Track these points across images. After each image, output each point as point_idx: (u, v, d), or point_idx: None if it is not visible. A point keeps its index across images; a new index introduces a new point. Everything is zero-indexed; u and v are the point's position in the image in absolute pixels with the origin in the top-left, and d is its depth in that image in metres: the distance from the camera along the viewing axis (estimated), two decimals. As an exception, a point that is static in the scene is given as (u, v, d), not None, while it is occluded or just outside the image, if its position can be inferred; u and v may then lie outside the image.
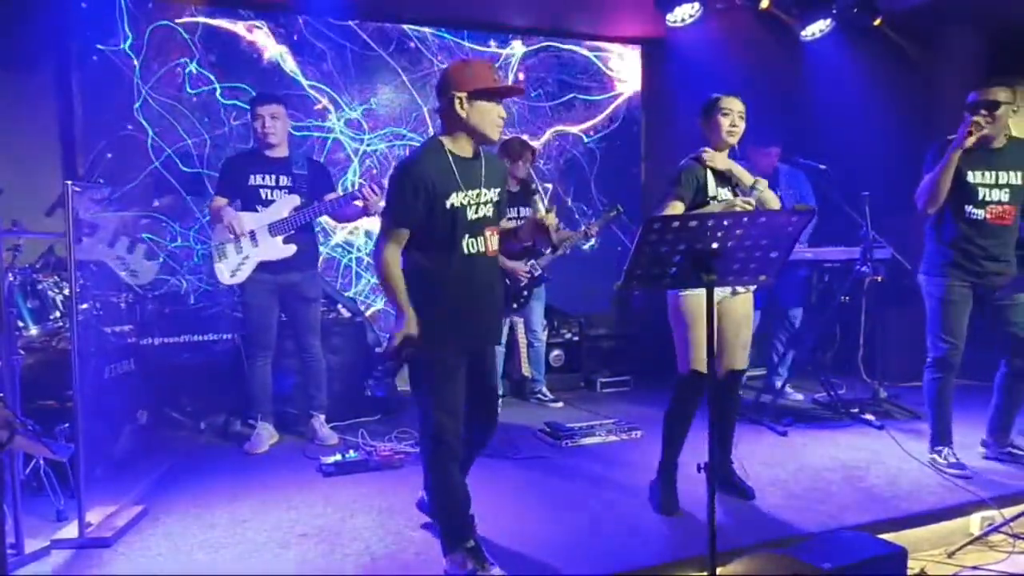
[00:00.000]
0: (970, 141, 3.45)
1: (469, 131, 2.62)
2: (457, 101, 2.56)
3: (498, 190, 2.72)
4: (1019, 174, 3.58)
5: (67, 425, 3.41)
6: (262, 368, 4.22)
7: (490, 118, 2.60)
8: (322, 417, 4.37)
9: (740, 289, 3.27)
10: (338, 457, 3.82)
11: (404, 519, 3.13)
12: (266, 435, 4.22)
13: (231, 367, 4.55)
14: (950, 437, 3.73)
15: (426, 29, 6.07)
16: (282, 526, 3.15)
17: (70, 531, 2.99)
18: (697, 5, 5.19)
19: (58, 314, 3.70)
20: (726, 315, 3.29)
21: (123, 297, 4.37)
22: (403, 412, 4.78)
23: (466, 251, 2.64)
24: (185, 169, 5.42)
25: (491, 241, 2.71)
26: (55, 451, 2.50)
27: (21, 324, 3.55)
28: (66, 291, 3.69)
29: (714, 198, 3.22)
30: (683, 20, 5.30)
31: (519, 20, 6.23)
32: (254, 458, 4.07)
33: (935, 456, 3.71)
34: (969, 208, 3.57)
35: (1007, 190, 3.56)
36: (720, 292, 3.26)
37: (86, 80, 5.18)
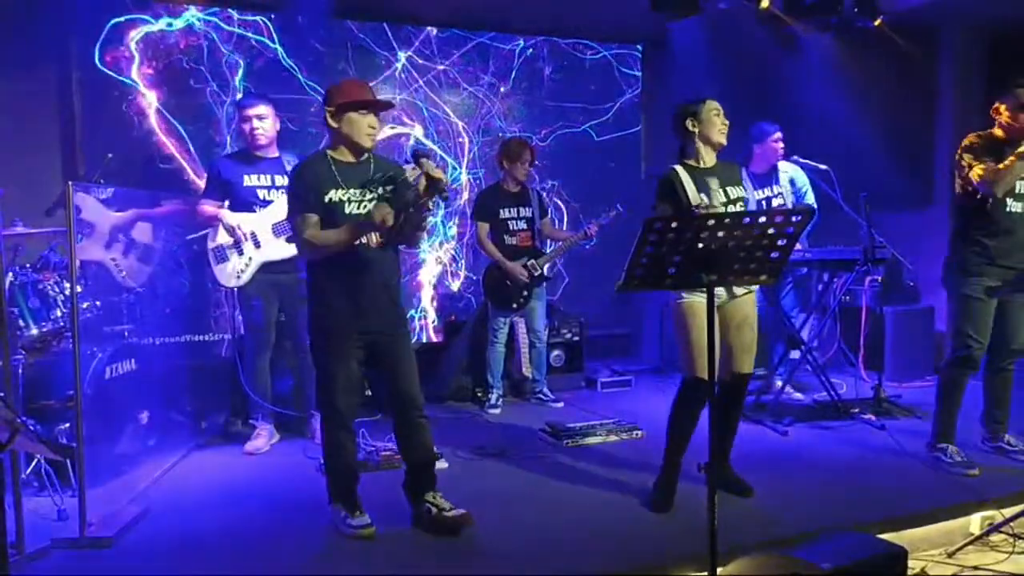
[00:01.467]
0: None
1: (343, 140, 2.96)
2: (328, 114, 2.94)
3: (389, 187, 2.99)
4: None
5: (67, 425, 3.42)
6: (262, 368, 4.22)
7: (359, 127, 2.93)
8: (322, 417, 4.37)
9: (738, 291, 3.26)
10: (338, 457, 3.81)
11: (405, 518, 3.13)
12: (266, 435, 4.23)
13: (231, 367, 4.55)
14: (954, 435, 3.72)
15: (429, 28, 6.08)
16: (282, 526, 3.15)
17: (71, 531, 2.99)
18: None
19: (59, 314, 3.70)
20: (726, 319, 3.28)
21: (123, 297, 4.37)
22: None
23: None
24: (181, 168, 5.42)
25: (371, 235, 2.94)
26: (55, 451, 2.50)
27: (22, 324, 3.55)
28: (67, 290, 3.68)
29: (697, 206, 3.20)
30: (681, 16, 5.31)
31: (522, 19, 6.23)
32: (254, 458, 4.07)
33: (939, 454, 3.70)
34: (1010, 201, 3.59)
35: None
36: (719, 295, 3.26)
37: (86, 80, 5.18)
